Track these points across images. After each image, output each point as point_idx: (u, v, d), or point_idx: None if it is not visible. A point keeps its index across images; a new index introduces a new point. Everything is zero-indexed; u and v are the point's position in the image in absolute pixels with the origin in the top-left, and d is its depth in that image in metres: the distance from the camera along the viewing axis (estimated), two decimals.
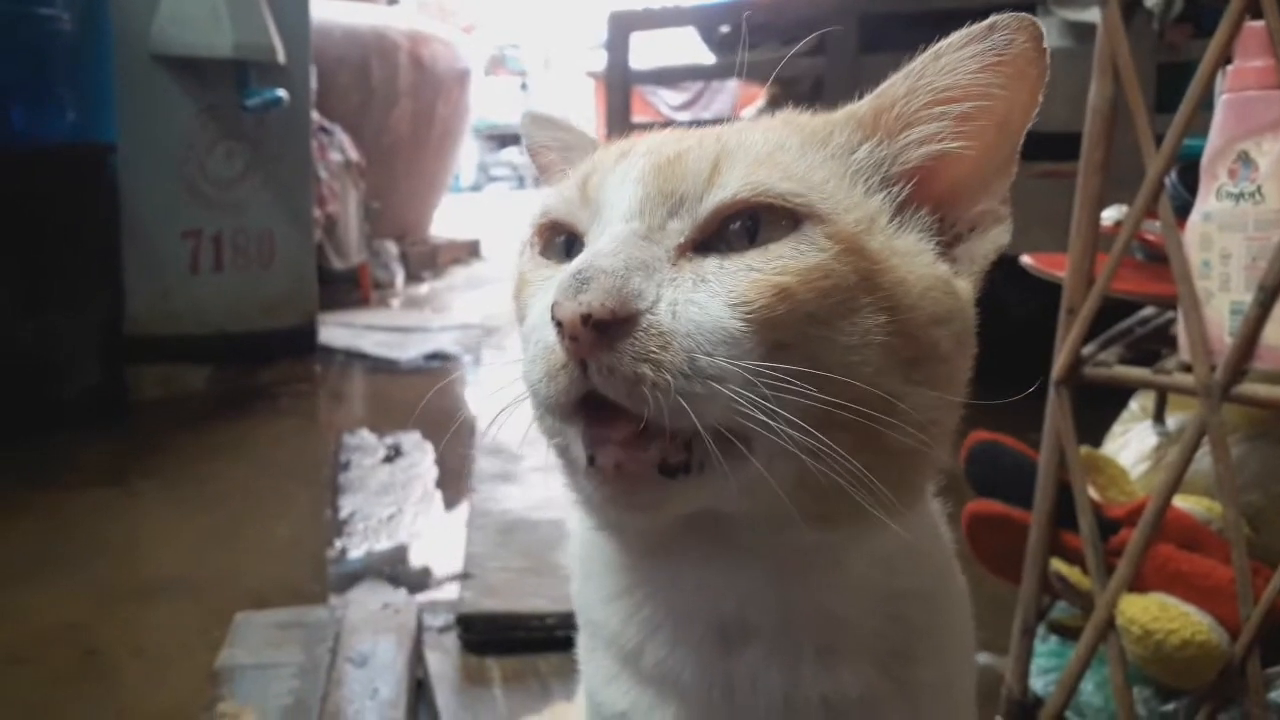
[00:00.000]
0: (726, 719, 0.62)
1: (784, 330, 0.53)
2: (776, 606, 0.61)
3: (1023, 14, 0.60)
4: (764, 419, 0.50)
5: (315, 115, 4.24)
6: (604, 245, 0.54)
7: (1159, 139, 1.06)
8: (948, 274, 0.61)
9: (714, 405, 0.51)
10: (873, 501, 0.54)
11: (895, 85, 0.62)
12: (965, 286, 0.62)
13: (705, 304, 0.52)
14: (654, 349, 0.50)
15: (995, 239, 0.64)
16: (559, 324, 0.51)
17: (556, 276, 0.54)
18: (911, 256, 0.59)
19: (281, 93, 3.21)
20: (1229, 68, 1.04)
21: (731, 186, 0.56)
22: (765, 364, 0.51)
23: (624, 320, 0.50)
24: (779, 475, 0.53)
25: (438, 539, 2.09)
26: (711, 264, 0.55)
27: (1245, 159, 1.02)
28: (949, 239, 0.63)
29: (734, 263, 0.55)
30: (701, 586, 0.61)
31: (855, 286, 0.55)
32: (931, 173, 0.62)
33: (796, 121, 0.64)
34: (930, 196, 0.62)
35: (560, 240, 0.62)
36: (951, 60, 0.60)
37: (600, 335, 0.50)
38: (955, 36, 0.60)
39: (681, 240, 0.56)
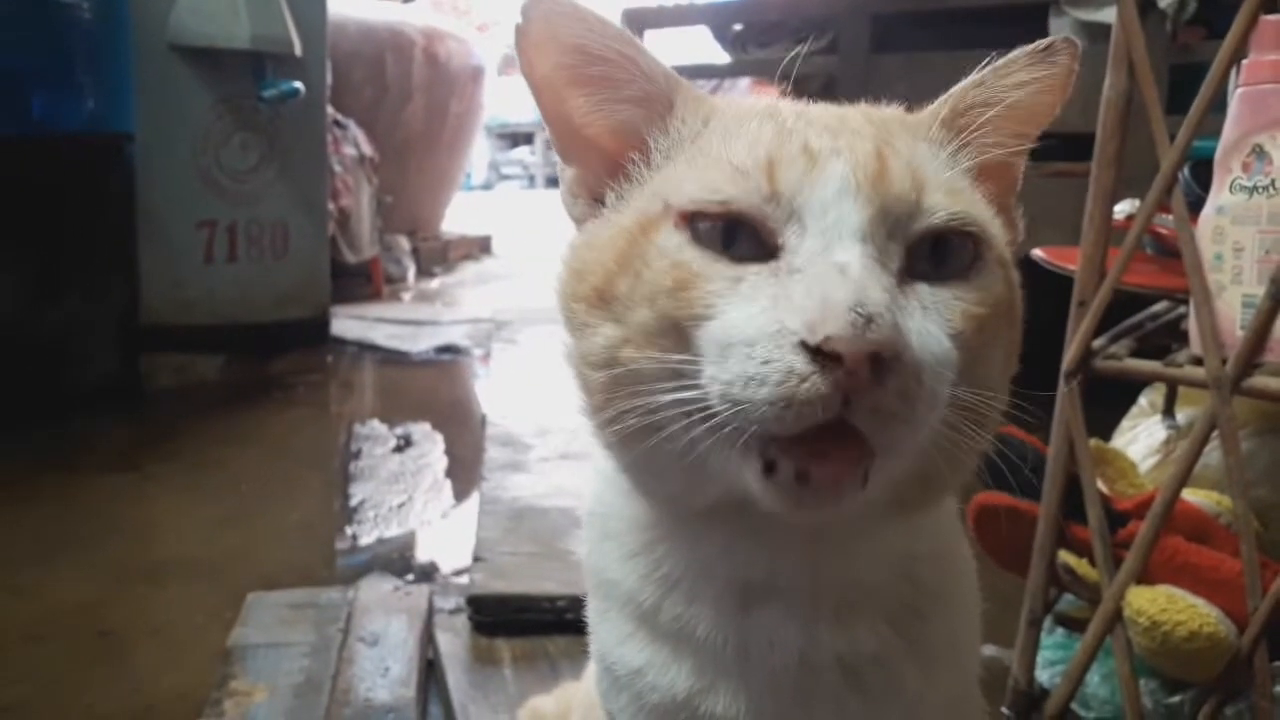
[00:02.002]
0: (741, 675, 0.63)
1: (973, 356, 0.56)
2: (804, 570, 0.62)
3: (1069, 38, 0.66)
4: (948, 432, 0.54)
5: (330, 110, 4.26)
6: (860, 271, 0.51)
7: (1172, 137, 1.06)
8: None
9: (931, 428, 0.53)
10: (955, 486, 0.60)
11: (966, 92, 0.64)
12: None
13: (936, 335, 0.54)
14: (911, 384, 0.50)
15: (1011, 240, 0.67)
16: (833, 356, 0.48)
17: (760, 288, 0.53)
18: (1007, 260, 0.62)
19: (298, 85, 3.22)
20: (1244, 62, 1.04)
21: (939, 212, 0.56)
22: (960, 388, 0.54)
23: (896, 357, 0.49)
24: (909, 470, 0.56)
25: (448, 527, 2.11)
26: (924, 292, 0.55)
27: (1259, 152, 1.03)
28: None
29: (942, 292, 0.56)
30: (729, 550, 0.62)
31: (1008, 305, 0.60)
32: (984, 176, 0.65)
33: (905, 121, 0.65)
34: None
35: (716, 228, 0.56)
36: (1019, 78, 0.64)
37: (877, 373, 0.49)
38: (1019, 54, 0.65)
39: (899, 264, 0.55)
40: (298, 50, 3.22)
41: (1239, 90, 1.05)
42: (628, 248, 0.58)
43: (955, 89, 0.65)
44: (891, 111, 0.66)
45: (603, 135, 0.65)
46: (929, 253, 0.56)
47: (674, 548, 0.65)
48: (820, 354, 0.48)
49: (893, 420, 0.50)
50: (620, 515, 0.68)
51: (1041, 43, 0.64)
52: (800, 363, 0.49)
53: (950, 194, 0.57)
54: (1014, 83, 0.64)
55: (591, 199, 0.66)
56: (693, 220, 0.56)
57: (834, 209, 0.54)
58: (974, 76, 0.64)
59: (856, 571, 0.63)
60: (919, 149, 0.60)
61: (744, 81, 4.02)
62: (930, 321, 0.54)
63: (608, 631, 0.69)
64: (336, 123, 4.78)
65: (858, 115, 0.63)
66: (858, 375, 0.48)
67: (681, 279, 0.55)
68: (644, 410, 0.55)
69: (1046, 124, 0.67)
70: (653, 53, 0.64)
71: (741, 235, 0.55)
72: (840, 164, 0.55)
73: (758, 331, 0.51)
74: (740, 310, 0.53)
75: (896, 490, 0.57)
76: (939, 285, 0.56)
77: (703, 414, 0.52)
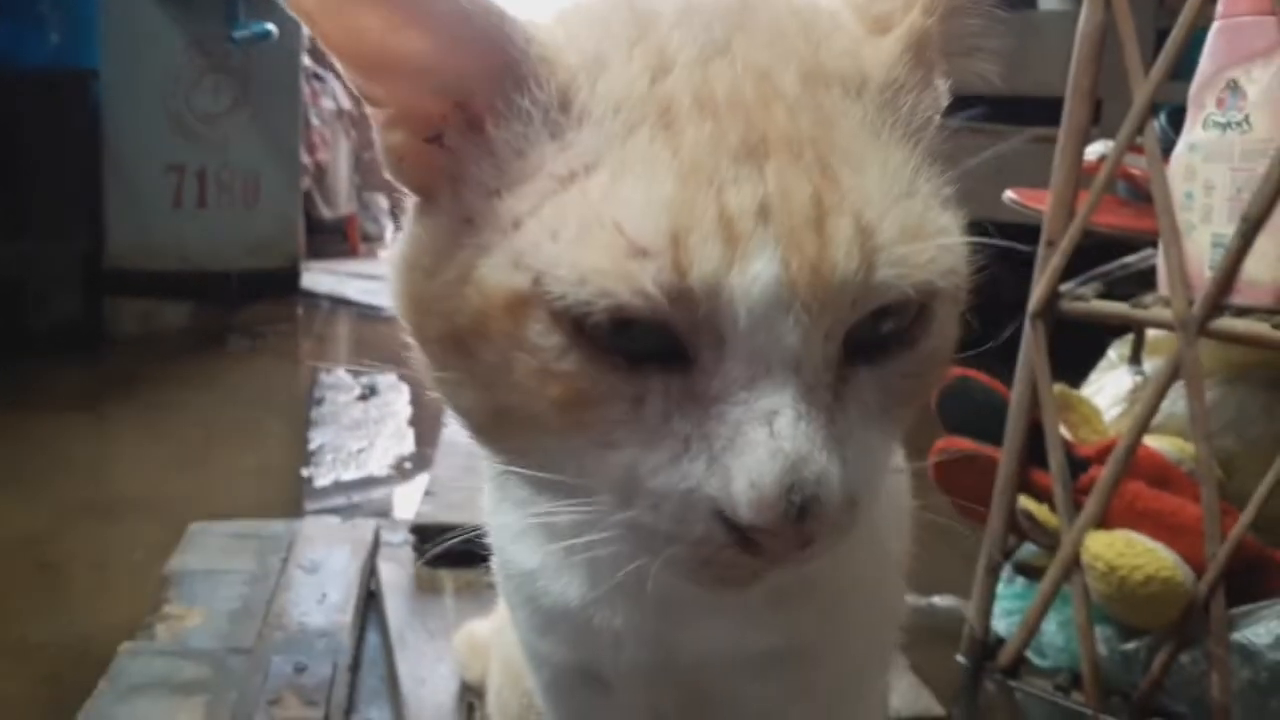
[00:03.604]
0: (641, 586, 0.56)
1: (910, 420, 0.49)
2: None
3: None
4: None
5: (308, 61, 4.19)
6: (791, 431, 0.40)
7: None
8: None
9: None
10: None
11: None
12: None
13: (876, 446, 0.45)
14: (846, 521, 0.43)
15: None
16: (750, 531, 0.41)
17: (671, 418, 0.42)
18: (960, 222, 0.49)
19: (270, 27, 3.17)
20: None
21: (894, 283, 0.42)
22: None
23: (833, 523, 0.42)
24: None
25: (406, 473, 2.08)
26: (865, 382, 0.44)
27: (1234, 87, 1.00)
28: None
29: (884, 374, 0.45)
30: None
31: (956, 334, 0.50)
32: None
33: (858, 72, 0.46)
34: None
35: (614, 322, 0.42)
36: None
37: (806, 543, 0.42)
38: None
39: (837, 365, 0.43)
40: None
41: (1215, 24, 1.02)
42: (486, 319, 0.44)
43: None
44: (838, 48, 0.47)
45: (417, 91, 0.47)
46: (872, 315, 0.44)
47: None
48: (747, 531, 0.41)
49: (821, 556, 0.44)
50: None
51: None
52: (719, 532, 0.42)
53: (906, 251, 0.42)
54: None
55: (425, 170, 0.49)
56: (566, 322, 0.42)
57: (761, 329, 0.40)
58: None
59: None
60: (867, 149, 0.45)
61: None
62: (869, 431, 0.44)
63: (502, 525, 0.65)
64: (315, 75, 4.70)
65: (782, 76, 0.45)
66: (780, 555, 0.42)
67: (566, 396, 0.43)
68: (532, 481, 0.48)
69: None
70: None
71: (640, 326, 0.42)
72: (767, 258, 0.40)
73: (667, 485, 0.42)
74: (645, 454, 0.43)
75: None
76: (881, 363, 0.45)
77: (602, 531, 0.45)
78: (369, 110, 0.49)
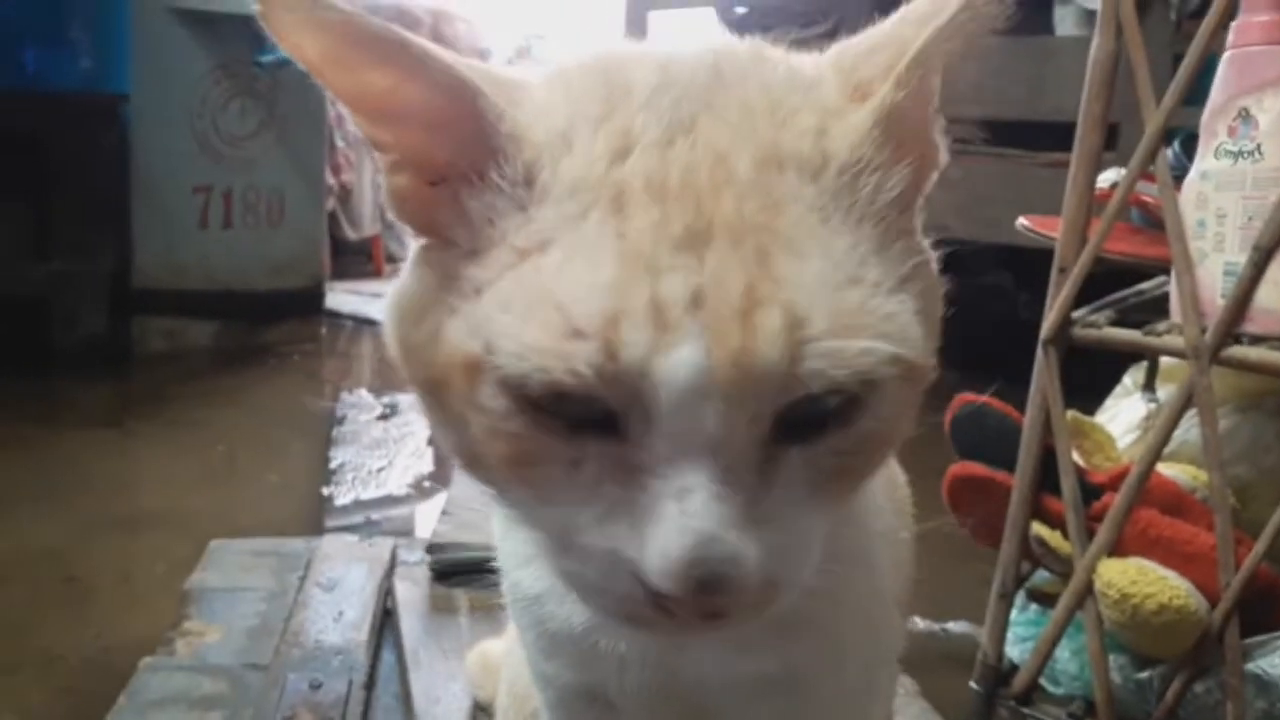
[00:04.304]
0: None
1: (851, 497, 0.50)
2: None
3: None
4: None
5: None
6: (703, 510, 0.42)
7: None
8: (938, 285, 0.53)
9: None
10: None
11: (936, 47, 0.47)
12: (933, 259, 0.54)
13: (803, 528, 0.46)
14: (764, 599, 0.45)
15: (935, 164, 0.53)
16: (657, 598, 0.43)
17: (603, 483, 0.44)
18: (927, 299, 0.50)
19: None
20: (1234, 23, 1.02)
21: (822, 374, 0.42)
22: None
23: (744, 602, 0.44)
24: None
25: (425, 491, 2.10)
26: (795, 464, 0.45)
27: (1245, 116, 1.01)
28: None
29: (815, 454, 0.45)
30: None
31: (908, 411, 0.49)
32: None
33: (821, 153, 0.47)
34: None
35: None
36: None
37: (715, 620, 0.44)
38: None
39: (762, 449, 0.44)
40: None
41: (1227, 53, 1.03)
42: (448, 376, 0.47)
43: (918, 51, 0.46)
44: (802, 128, 0.47)
45: (420, 138, 0.49)
46: (809, 396, 0.44)
47: None
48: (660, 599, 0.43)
49: (750, 616, 0.46)
50: None
51: None
52: (639, 592, 0.44)
53: (838, 342, 0.42)
54: (984, 6, 0.47)
55: (427, 212, 0.51)
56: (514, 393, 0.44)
57: (683, 412, 0.42)
58: (941, 24, 0.46)
59: None
60: (816, 233, 0.45)
61: None
62: (794, 513, 0.45)
63: (510, 551, 0.67)
64: None
65: (739, 159, 0.45)
66: (694, 622, 0.44)
67: (512, 454, 0.46)
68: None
69: None
70: (439, 53, 0.47)
71: (577, 398, 0.43)
72: (691, 347, 0.41)
73: (595, 544, 0.45)
74: (578, 513, 0.45)
75: None
76: (814, 443, 0.45)
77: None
78: (375, 155, 0.51)
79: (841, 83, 0.49)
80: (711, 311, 0.41)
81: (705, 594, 0.42)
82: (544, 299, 0.43)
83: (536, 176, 0.46)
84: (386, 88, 0.47)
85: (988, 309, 3.57)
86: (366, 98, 0.48)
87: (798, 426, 0.44)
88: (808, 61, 0.53)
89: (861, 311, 0.44)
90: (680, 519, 0.42)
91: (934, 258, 0.53)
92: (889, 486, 0.70)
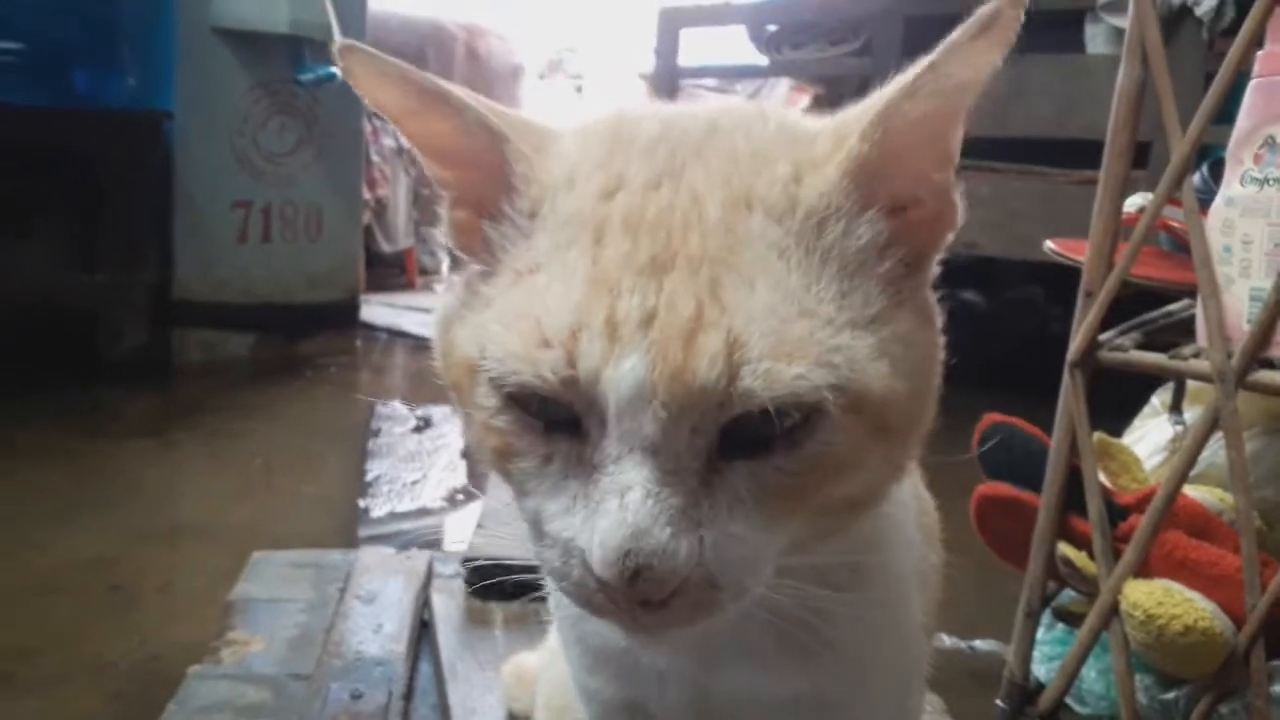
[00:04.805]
0: None
1: (804, 519, 0.52)
2: None
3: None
4: (788, 583, 0.52)
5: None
6: (638, 505, 0.47)
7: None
8: (933, 336, 0.56)
9: (763, 589, 0.52)
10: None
11: (898, 107, 0.50)
12: (936, 312, 0.57)
13: (744, 536, 0.49)
14: (705, 597, 0.49)
15: (950, 225, 0.56)
16: (598, 583, 0.48)
17: (568, 477, 0.50)
18: (903, 348, 0.52)
19: (335, 70, 3.26)
20: (1260, 53, 1.03)
21: (755, 400, 0.47)
22: (785, 549, 0.52)
23: (678, 590, 0.48)
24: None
25: (458, 503, 2.13)
26: (740, 475, 0.49)
27: (1272, 144, 1.02)
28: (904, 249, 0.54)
29: (761, 470, 0.49)
30: None
31: (867, 437, 0.51)
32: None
33: (790, 198, 0.51)
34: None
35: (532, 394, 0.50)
36: (963, 58, 0.50)
37: (654, 605, 0.48)
38: (959, 39, 0.49)
39: (705, 458, 0.49)
40: (337, 36, 3.27)
41: (1253, 81, 1.04)
42: (460, 377, 0.55)
43: (882, 107, 0.51)
44: (775, 175, 0.52)
45: (478, 180, 0.57)
46: (761, 418, 0.47)
47: None
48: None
49: (686, 624, 0.50)
50: None
51: (984, 12, 0.49)
52: (590, 578, 0.49)
53: (776, 364, 0.46)
54: (956, 69, 0.50)
55: (477, 242, 0.58)
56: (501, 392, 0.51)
57: (628, 417, 0.47)
58: (904, 83, 0.50)
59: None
60: (773, 267, 0.49)
61: (783, 84, 4.00)
62: (737, 521, 0.49)
63: None
64: (376, 114, 4.83)
65: (711, 203, 0.50)
66: (633, 608, 0.48)
67: (499, 447, 0.53)
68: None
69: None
70: (479, 100, 0.55)
71: (550, 401, 0.50)
72: (636, 359, 0.46)
73: (557, 531, 0.50)
74: (546, 501, 0.51)
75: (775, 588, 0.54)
76: (760, 460, 0.49)
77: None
78: (441, 193, 0.60)
79: (835, 139, 0.53)
80: (660, 330, 0.47)
81: (636, 583, 0.47)
82: (527, 313, 0.50)
83: (539, 210, 0.54)
84: (446, 132, 0.56)
85: (1018, 323, 3.57)
86: (431, 142, 0.57)
87: (745, 443, 0.49)
88: (815, 121, 0.58)
89: (806, 342, 0.48)
90: (618, 513, 0.47)
91: (938, 311, 0.57)
92: (917, 513, 0.73)
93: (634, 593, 0.47)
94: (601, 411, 0.48)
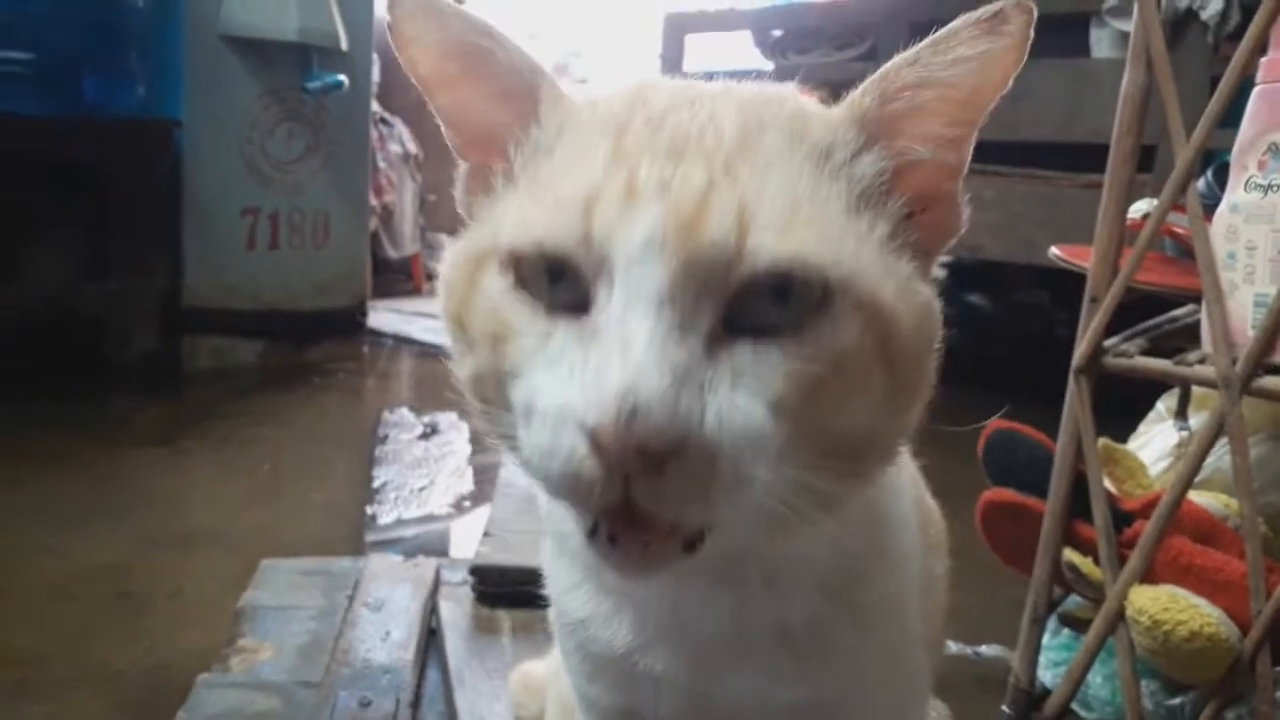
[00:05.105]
0: (677, 636, 0.65)
1: (807, 419, 0.50)
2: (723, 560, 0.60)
3: (1022, 1, 0.55)
4: (776, 503, 0.50)
5: (376, 107, 4.33)
6: (642, 352, 0.46)
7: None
8: (930, 295, 0.57)
9: (747, 504, 0.50)
10: (837, 511, 0.55)
11: (897, 73, 0.55)
12: (935, 298, 0.58)
13: (746, 408, 0.48)
14: (702, 469, 0.47)
15: (954, 230, 0.60)
16: (600, 445, 0.46)
17: (566, 349, 0.50)
18: (907, 288, 0.54)
19: (342, 78, 3.29)
20: (1264, 59, 1.04)
21: (764, 256, 0.49)
22: (787, 452, 0.50)
23: (675, 447, 0.46)
24: (762, 522, 0.53)
25: (465, 510, 2.14)
26: (744, 351, 0.49)
27: (1275, 150, 1.02)
28: (913, 236, 0.58)
29: (767, 349, 0.49)
30: None
31: (873, 354, 0.52)
32: (914, 166, 0.58)
33: (800, 127, 0.55)
34: (905, 190, 0.58)
35: (540, 270, 0.52)
36: (961, 53, 0.55)
37: (650, 463, 0.46)
38: (962, 24, 0.55)
39: (712, 322, 0.49)
40: (344, 45, 3.29)
41: (1257, 87, 1.04)
42: (466, 280, 0.57)
43: (883, 70, 0.56)
44: (786, 110, 0.57)
45: (479, 136, 0.62)
46: (770, 298, 0.49)
47: None
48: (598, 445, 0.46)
49: (683, 503, 0.47)
50: None
51: (989, 9, 0.54)
52: (581, 444, 0.46)
53: (786, 231, 0.49)
54: (955, 58, 0.54)
55: (481, 186, 0.63)
56: (516, 263, 0.53)
57: (637, 266, 0.48)
58: (907, 53, 0.55)
59: (777, 548, 0.60)
60: (784, 168, 0.53)
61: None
62: (740, 393, 0.48)
63: (557, 578, 0.72)
64: (383, 120, 4.86)
65: (728, 121, 0.54)
66: (627, 465, 0.45)
67: (499, 331, 0.53)
68: (496, 435, 0.56)
69: (994, 101, 0.57)
70: (518, 44, 0.60)
71: (565, 278, 0.51)
72: (652, 211, 0.49)
73: (551, 403, 0.49)
74: (543, 376, 0.51)
75: (769, 531, 0.54)
76: (767, 341, 0.49)
77: (533, 474, 0.52)
78: (459, 162, 0.64)
79: (848, 110, 0.58)
80: (674, 194, 0.50)
81: (634, 425, 0.45)
82: (547, 189, 0.54)
83: (564, 127, 0.58)
84: (479, 101, 0.61)
85: (1024, 326, 3.57)
86: (462, 114, 0.62)
87: (753, 327, 0.50)
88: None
89: (814, 222, 0.51)
90: (620, 357, 0.47)
91: (934, 297, 0.58)
92: (922, 524, 0.73)
93: (630, 438, 0.45)
94: (610, 268, 0.49)
